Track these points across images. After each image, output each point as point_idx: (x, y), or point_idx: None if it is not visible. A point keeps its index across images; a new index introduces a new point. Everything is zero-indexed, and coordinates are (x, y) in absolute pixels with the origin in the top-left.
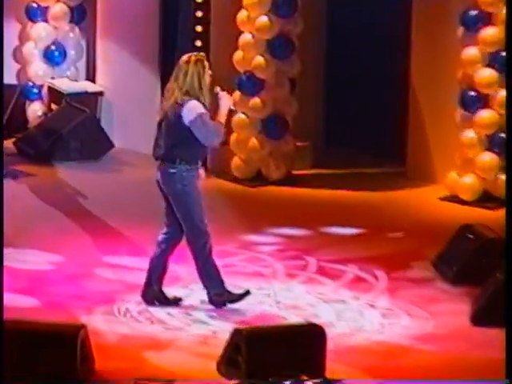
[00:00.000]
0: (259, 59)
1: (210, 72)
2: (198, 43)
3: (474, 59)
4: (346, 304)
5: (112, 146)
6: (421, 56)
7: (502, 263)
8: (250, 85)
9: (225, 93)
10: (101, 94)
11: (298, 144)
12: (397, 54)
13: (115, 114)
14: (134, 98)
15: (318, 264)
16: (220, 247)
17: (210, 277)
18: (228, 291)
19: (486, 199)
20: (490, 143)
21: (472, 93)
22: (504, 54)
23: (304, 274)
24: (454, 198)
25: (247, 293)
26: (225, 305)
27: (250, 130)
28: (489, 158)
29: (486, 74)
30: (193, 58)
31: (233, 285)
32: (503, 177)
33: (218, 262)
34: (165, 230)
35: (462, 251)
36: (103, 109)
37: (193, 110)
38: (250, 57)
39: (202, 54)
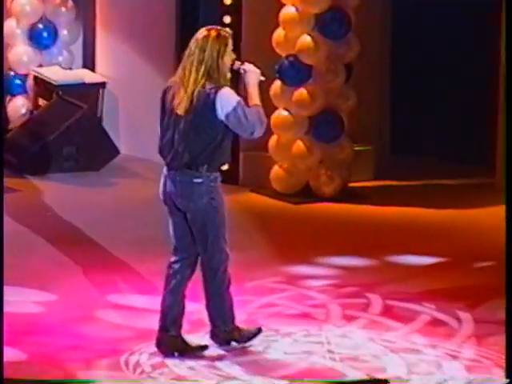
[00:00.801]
0: (306, 39)
1: (233, 55)
2: (227, 19)
3: None
4: (420, 354)
5: (117, 152)
6: None
7: None
8: (293, 73)
9: (248, 65)
10: (102, 85)
11: (357, 149)
12: (485, 36)
13: (121, 111)
14: (145, 91)
15: (383, 303)
16: (256, 282)
17: (223, 311)
18: (238, 328)
19: None
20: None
21: None
22: None
23: (366, 316)
24: None
25: (259, 331)
26: (229, 344)
27: (294, 132)
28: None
29: None
30: (213, 33)
31: (274, 330)
32: None
33: (255, 301)
34: (176, 257)
35: None
36: (105, 105)
37: (229, 98)
38: (293, 36)
39: (226, 29)
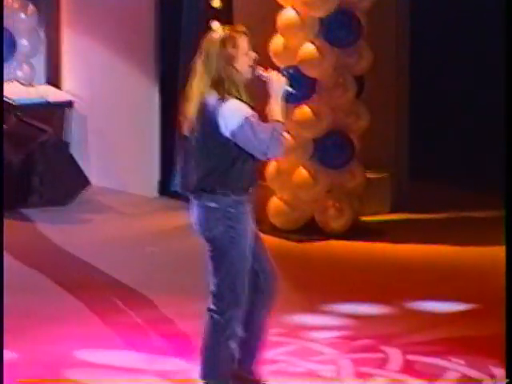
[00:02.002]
0: (309, 48)
1: (252, 54)
2: (215, 24)
3: None
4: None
5: (87, 183)
6: None
7: None
8: (295, 87)
9: (271, 71)
10: (69, 105)
11: (370, 176)
12: None
13: (91, 135)
14: (120, 111)
15: (403, 358)
16: None
17: (214, 366)
18: None
19: None
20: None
21: None
22: None
23: (383, 374)
24: None
25: None
26: None
27: (296, 156)
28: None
29: None
30: (220, 33)
31: None
32: None
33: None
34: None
35: None
36: (74, 128)
37: (234, 113)
38: (294, 45)
39: (238, 26)
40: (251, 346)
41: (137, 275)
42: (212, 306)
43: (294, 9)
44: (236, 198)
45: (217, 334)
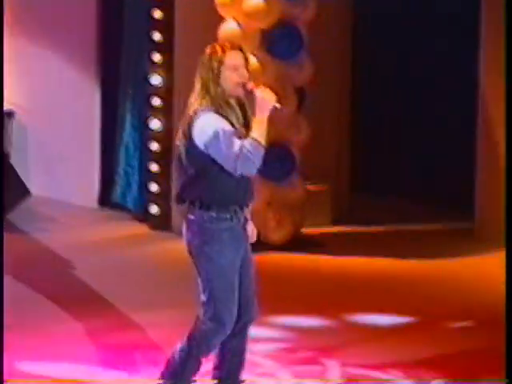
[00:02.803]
0: (251, 60)
1: (243, 71)
2: (156, 36)
3: None
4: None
5: (28, 193)
6: (496, 55)
7: None
8: None
9: (262, 88)
10: (9, 115)
11: (311, 188)
12: (462, 48)
13: (32, 145)
14: (61, 121)
15: (343, 370)
16: None
17: (176, 372)
18: None
19: None
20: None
21: None
22: None
23: None
24: None
25: None
26: None
27: None
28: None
29: None
30: (212, 48)
31: None
32: None
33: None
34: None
35: None
36: (14, 138)
37: (206, 126)
38: None
39: (234, 44)
40: (229, 369)
41: (76, 286)
42: (199, 315)
43: (236, 20)
44: (216, 214)
45: (192, 341)
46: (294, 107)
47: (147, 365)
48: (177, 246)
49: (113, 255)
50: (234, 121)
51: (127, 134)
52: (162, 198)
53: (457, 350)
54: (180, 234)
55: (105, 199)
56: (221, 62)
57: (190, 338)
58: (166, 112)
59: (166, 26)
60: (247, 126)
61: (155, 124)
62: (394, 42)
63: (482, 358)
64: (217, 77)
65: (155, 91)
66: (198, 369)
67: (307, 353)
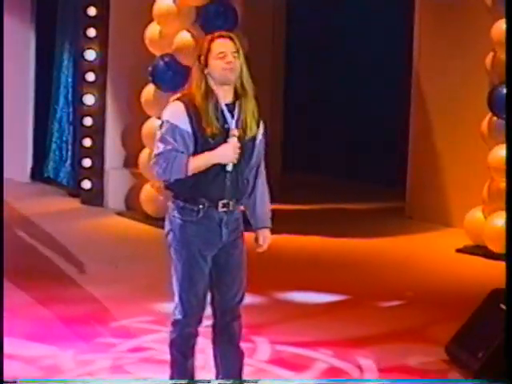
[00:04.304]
0: (184, 37)
1: (229, 57)
2: (92, 11)
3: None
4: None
5: None
6: (428, 43)
7: None
8: (169, 75)
9: (233, 140)
10: None
11: None
12: (394, 37)
13: None
14: None
15: (272, 348)
16: (123, 321)
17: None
18: None
19: None
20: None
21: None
22: None
23: (252, 364)
24: (479, 250)
25: None
26: None
27: None
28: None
29: None
30: (202, 40)
31: (145, 378)
32: None
33: (122, 344)
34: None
35: (492, 330)
36: None
37: (162, 115)
38: (170, 33)
39: (223, 32)
40: (226, 370)
41: (7, 260)
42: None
43: None
44: (183, 204)
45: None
46: None
47: (77, 339)
48: (109, 221)
49: (45, 229)
50: (209, 115)
51: (61, 109)
52: (95, 174)
53: (386, 328)
54: (112, 208)
55: (37, 174)
56: (208, 50)
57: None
58: (100, 88)
59: (101, 2)
60: (238, 125)
61: (89, 99)
62: (329, 18)
63: (410, 337)
64: (204, 65)
65: (90, 66)
66: (184, 360)
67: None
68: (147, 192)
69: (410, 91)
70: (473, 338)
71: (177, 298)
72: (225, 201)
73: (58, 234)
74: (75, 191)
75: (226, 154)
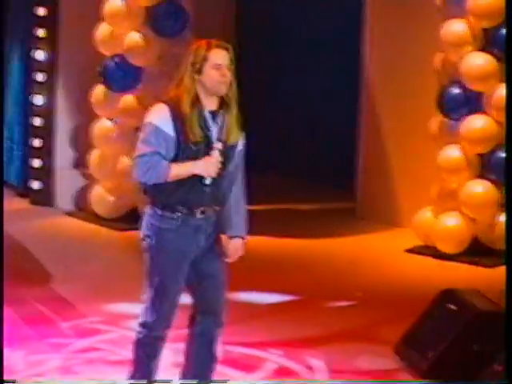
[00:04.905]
0: (134, 37)
1: (225, 71)
2: (41, 11)
3: (459, 39)
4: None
5: None
6: (377, 43)
7: (502, 347)
8: (119, 75)
9: (216, 155)
10: None
11: None
12: (344, 37)
13: None
14: None
15: (222, 348)
16: (74, 322)
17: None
18: None
19: (476, 251)
20: (485, 166)
21: (456, 90)
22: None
23: None
24: (429, 250)
25: None
26: None
27: (120, 145)
28: (482, 189)
29: (479, 62)
30: (195, 44)
31: (91, 379)
32: (503, 218)
33: (72, 344)
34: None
35: (441, 330)
36: None
37: (146, 117)
38: (120, 33)
39: (221, 42)
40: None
41: None
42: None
43: None
44: (161, 212)
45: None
46: None
47: (27, 339)
48: (58, 222)
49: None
50: (194, 121)
51: (10, 109)
52: (45, 174)
53: (336, 329)
54: (62, 209)
55: None
56: (205, 59)
57: (136, 333)
58: (49, 88)
59: (50, 1)
60: (221, 133)
61: (38, 99)
62: (279, 15)
63: (360, 338)
64: (197, 72)
65: (39, 66)
66: (148, 361)
67: (185, 330)
68: (97, 192)
69: (359, 91)
70: (422, 338)
71: (148, 303)
72: (203, 208)
73: (7, 234)
74: (24, 191)
75: (208, 168)
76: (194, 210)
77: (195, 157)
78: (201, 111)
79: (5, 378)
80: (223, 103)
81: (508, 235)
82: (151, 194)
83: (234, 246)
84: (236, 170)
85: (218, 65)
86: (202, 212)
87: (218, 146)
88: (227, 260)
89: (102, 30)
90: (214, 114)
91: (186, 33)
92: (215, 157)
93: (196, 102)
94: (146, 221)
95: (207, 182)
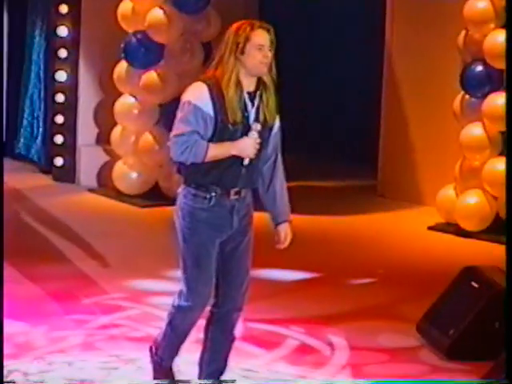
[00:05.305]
0: (157, 13)
1: (267, 52)
2: None
3: (483, 16)
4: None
5: None
6: (400, 22)
7: None
8: (142, 52)
9: (254, 135)
10: None
11: None
12: (366, 17)
13: None
14: None
15: (243, 325)
16: (95, 298)
17: (161, 346)
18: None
19: (498, 229)
20: (507, 144)
21: (480, 67)
22: None
23: None
24: (451, 227)
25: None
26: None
27: (141, 122)
28: (505, 166)
29: (502, 39)
30: (237, 24)
31: (115, 356)
32: None
33: (93, 321)
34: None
35: (463, 308)
36: None
37: (185, 94)
38: (142, 10)
39: (262, 23)
40: (213, 360)
41: None
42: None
43: None
44: (194, 191)
45: (169, 317)
46: (200, 61)
47: (49, 316)
48: (81, 198)
49: (16, 206)
50: (233, 101)
51: (32, 86)
52: (67, 150)
53: (358, 306)
54: (84, 185)
55: (9, 150)
56: (247, 39)
57: (168, 314)
58: (72, 64)
59: None
60: (257, 114)
61: (61, 76)
62: None
63: (382, 315)
64: (240, 53)
65: (62, 43)
66: (177, 345)
67: (208, 307)
68: (119, 169)
69: (381, 69)
70: (444, 316)
71: (184, 287)
72: (237, 189)
73: (29, 211)
74: (47, 168)
75: (247, 149)
76: (229, 190)
77: (232, 137)
78: (241, 93)
79: (26, 353)
80: (260, 84)
81: (508, 233)
82: (185, 173)
83: (285, 232)
84: (272, 151)
85: (260, 45)
86: (236, 193)
87: (257, 127)
88: (280, 246)
89: (125, 7)
90: (251, 94)
91: (208, 9)
92: (254, 138)
93: (237, 82)
94: (179, 201)
95: (245, 162)
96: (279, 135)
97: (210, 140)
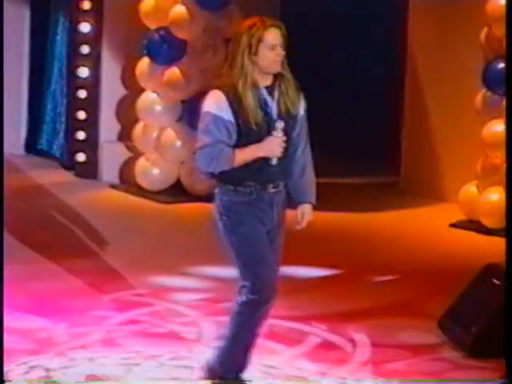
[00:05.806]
0: (179, 10)
1: (280, 50)
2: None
3: (505, 13)
4: (308, 382)
5: None
6: (422, 18)
7: None
8: (164, 49)
9: (279, 134)
10: None
11: None
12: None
13: None
14: None
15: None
16: (116, 294)
17: (227, 352)
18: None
19: None
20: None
21: (502, 64)
22: None
23: None
24: (473, 225)
25: None
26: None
27: (164, 118)
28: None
29: None
30: (248, 22)
31: (135, 352)
32: None
33: (114, 317)
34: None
35: (485, 305)
36: None
37: (204, 104)
38: (165, 6)
39: (274, 20)
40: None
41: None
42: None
43: None
44: (233, 187)
45: (238, 312)
46: (222, 58)
47: (70, 312)
48: (103, 194)
49: (39, 202)
50: (252, 103)
51: (55, 82)
52: (89, 146)
53: (379, 303)
54: (106, 181)
55: (32, 146)
56: (260, 40)
57: (231, 317)
58: (94, 60)
59: None
60: (279, 106)
61: (83, 72)
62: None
63: (403, 312)
64: (254, 54)
65: (84, 39)
66: (251, 339)
67: (229, 303)
68: (141, 165)
69: (403, 66)
70: (466, 313)
71: (249, 283)
72: (274, 183)
73: (51, 207)
74: (69, 164)
75: (273, 149)
76: (265, 185)
77: (258, 137)
78: (258, 91)
79: (47, 349)
80: (277, 76)
81: (508, 232)
82: (219, 176)
83: (303, 211)
84: (299, 136)
85: (273, 45)
86: (274, 186)
87: (281, 124)
88: (297, 227)
89: (147, 3)
90: (269, 88)
91: (230, 7)
92: (279, 136)
93: (253, 82)
94: (218, 201)
95: (274, 162)
96: (305, 118)
97: (237, 144)
